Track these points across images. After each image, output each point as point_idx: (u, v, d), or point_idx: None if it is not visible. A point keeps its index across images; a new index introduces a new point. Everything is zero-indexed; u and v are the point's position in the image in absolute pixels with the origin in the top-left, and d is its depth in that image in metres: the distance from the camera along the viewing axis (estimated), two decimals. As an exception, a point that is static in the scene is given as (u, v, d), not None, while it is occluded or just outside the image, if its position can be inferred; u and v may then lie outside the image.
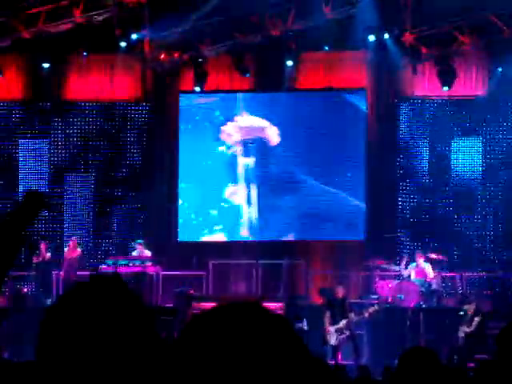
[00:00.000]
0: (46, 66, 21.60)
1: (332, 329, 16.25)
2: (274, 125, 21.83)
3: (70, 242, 20.72)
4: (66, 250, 20.70)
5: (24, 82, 22.32)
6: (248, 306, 1.82)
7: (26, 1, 20.15)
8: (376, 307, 17.27)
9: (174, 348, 1.79)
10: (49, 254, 20.43)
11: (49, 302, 20.00)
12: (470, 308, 16.87)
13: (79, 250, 20.60)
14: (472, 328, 16.53)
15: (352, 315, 16.43)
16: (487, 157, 21.42)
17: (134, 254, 20.60)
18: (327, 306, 16.65)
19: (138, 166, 22.31)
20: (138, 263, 20.18)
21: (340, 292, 16.49)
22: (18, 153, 22.42)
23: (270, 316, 1.81)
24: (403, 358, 4.10)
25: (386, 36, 20.16)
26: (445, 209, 21.49)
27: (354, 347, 16.40)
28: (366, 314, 16.66)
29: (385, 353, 15.49)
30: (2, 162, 22.45)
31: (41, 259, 20.38)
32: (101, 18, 20.38)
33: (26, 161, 22.44)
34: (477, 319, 16.63)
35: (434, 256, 19.43)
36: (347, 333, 16.24)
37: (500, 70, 20.66)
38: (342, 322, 16.25)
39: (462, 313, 16.92)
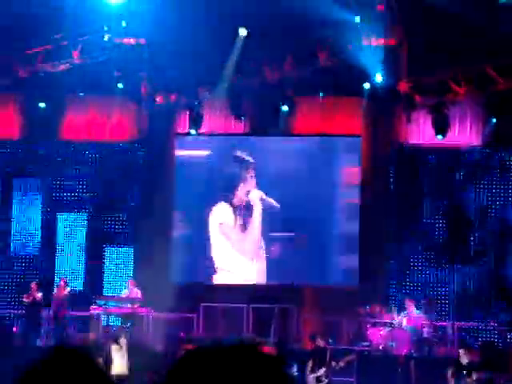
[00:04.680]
0: (42, 105, 21.69)
1: (311, 377, 16.30)
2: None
3: (61, 281, 20.64)
4: (55, 289, 20.61)
5: (20, 121, 22.37)
6: (244, 348, 1.84)
7: (24, 41, 20.24)
8: (352, 356, 17.26)
9: None
10: (39, 294, 20.32)
11: (38, 341, 19.87)
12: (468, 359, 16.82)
13: (68, 289, 20.50)
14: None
15: (333, 364, 16.51)
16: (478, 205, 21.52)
17: (125, 291, 20.51)
18: (310, 354, 16.76)
19: (134, 206, 22.34)
20: (128, 304, 20.09)
21: (320, 342, 16.54)
22: (12, 192, 22.45)
23: (266, 359, 1.83)
24: None
25: (381, 84, 20.31)
26: (438, 258, 21.52)
27: None
28: (342, 363, 16.70)
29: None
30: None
31: (31, 299, 20.26)
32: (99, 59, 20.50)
33: (20, 200, 22.45)
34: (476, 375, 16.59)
35: (425, 305, 19.40)
36: (326, 381, 16.26)
37: (494, 120, 20.80)
38: (321, 371, 16.31)
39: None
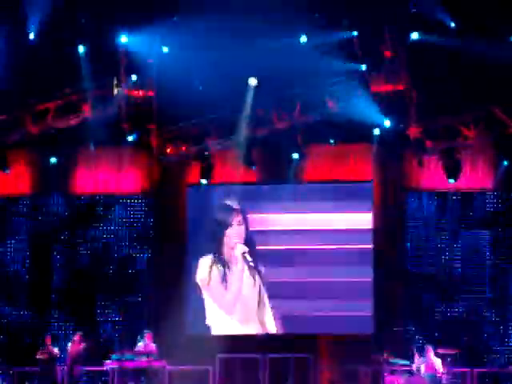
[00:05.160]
0: (53, 160, 21.78)
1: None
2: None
3: (75, 337, 20.55)
4: (69, 344, 20.49)
5: (31, 176, 22.44)
6: None
7: (35, 97, 20.39)
8: None
9: None
10: (55, 349, 20.26)
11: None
12: None
13: (83, 344, 20.37)
14: None
15: None
16: (495, 251, 21.40)
17: (140, 344, 20.37)
18: None
19: (147, 259, 22.31)
20: (143, 358, 19.96)
21: None
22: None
23: None
24: None
25: (391, 129, 20.34)
26: (454, 302, 21.40)
27: None
28: None
29: None
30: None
31: (46, 354, 20.17)
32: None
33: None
34: None
35: (443, 351, 19.24)
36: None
37: (506, 163, 20.75)
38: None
39: None
